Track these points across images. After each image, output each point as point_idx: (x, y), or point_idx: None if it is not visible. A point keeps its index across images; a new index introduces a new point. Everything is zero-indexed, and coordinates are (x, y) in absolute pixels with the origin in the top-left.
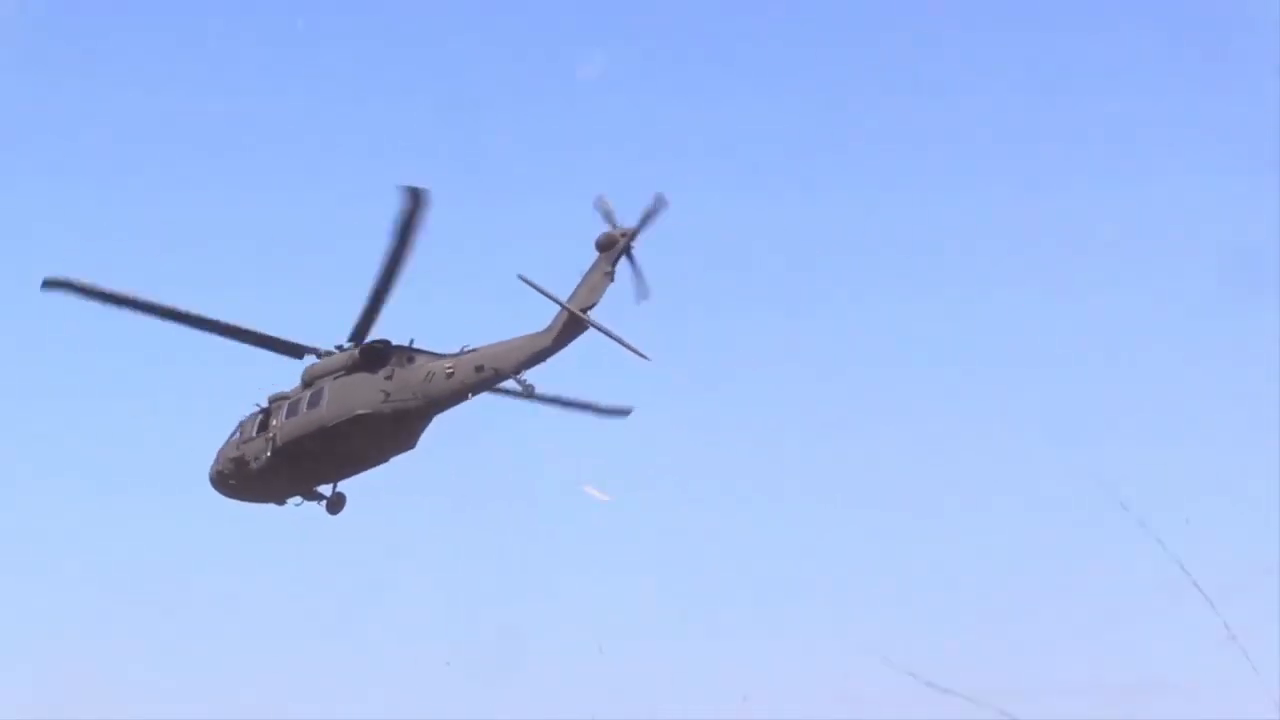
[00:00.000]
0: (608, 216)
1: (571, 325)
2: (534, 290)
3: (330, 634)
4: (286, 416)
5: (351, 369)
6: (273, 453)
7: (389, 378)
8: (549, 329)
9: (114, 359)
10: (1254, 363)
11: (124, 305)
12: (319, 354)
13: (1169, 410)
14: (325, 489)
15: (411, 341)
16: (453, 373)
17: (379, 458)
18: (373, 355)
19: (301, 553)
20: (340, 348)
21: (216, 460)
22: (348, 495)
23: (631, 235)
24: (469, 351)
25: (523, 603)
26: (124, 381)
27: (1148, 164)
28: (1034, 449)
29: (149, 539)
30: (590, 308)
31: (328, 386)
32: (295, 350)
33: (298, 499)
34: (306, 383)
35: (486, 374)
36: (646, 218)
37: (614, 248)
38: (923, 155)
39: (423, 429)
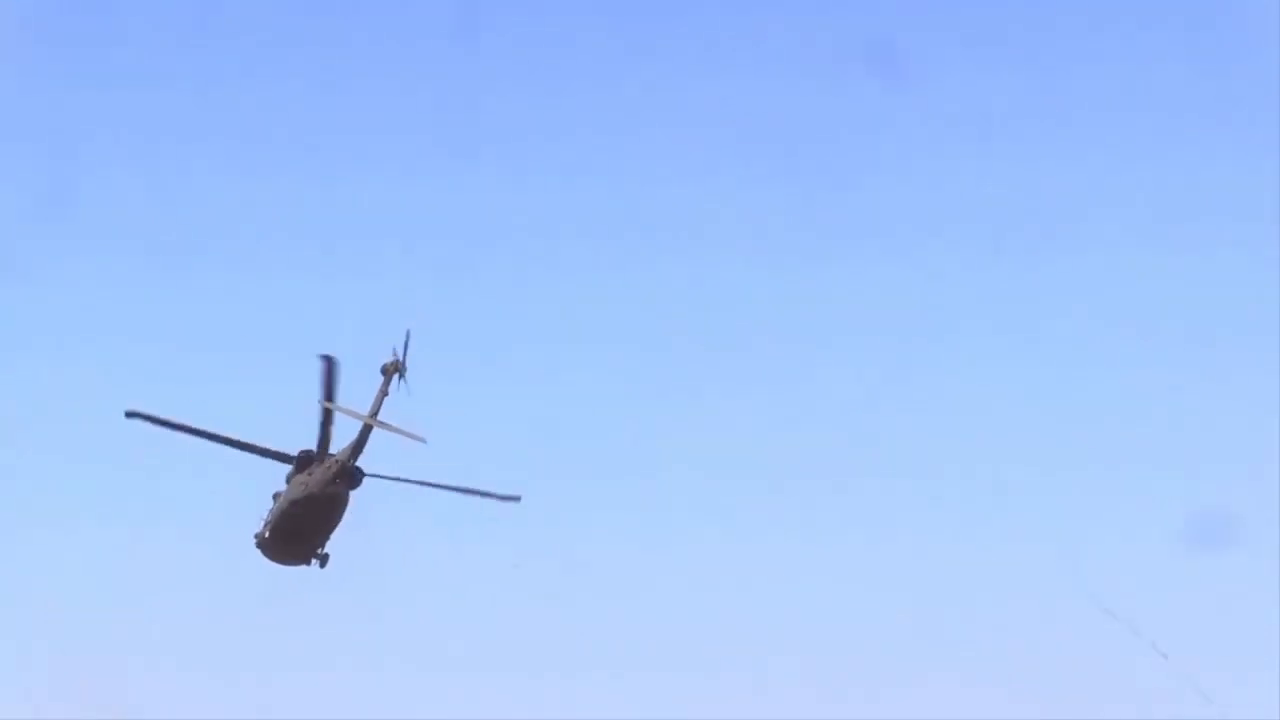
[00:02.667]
0: (394, 354)
1: (367, 429)
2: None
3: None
4: None
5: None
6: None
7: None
8: (357, 437)
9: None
10: None
11: (189, 433)
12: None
13: None
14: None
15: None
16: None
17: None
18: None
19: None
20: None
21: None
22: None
23: (401, 365)
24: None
25: None
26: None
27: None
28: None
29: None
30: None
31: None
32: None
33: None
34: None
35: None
36: (404, 352)
37: (391, 372)
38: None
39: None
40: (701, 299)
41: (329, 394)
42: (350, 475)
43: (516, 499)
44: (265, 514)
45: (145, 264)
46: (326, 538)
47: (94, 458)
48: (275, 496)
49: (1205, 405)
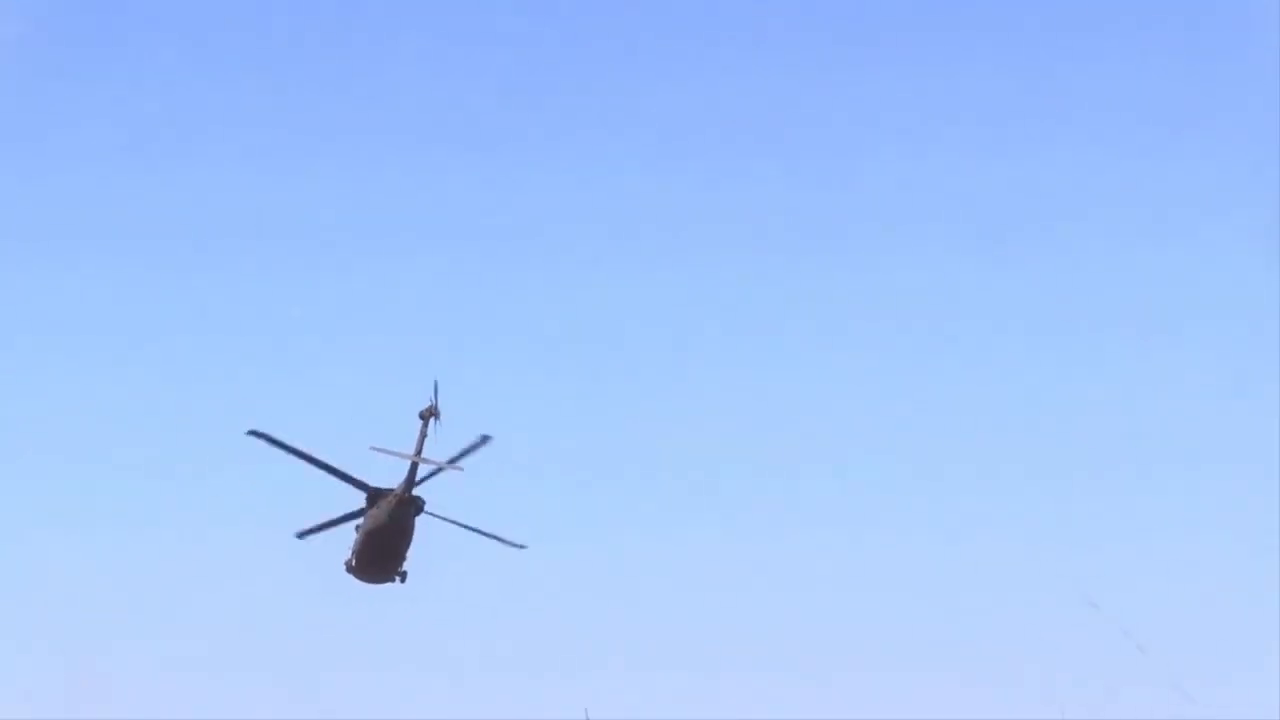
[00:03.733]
0: (433, 399)
1: (414, 466)
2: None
3: None
4: None
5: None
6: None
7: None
8: (407, 473)
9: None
10: None
11: (300, 457)
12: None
13: None
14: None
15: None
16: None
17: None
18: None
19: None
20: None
21: None
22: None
23: (435, 410)
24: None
25: None
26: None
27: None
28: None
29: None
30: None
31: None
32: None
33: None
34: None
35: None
36: (436, 399)
37: (428, 417)
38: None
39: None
40: (704, 297)
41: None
42: (409, 504)
43: (523, 547)
44: (351, 544)
45: (146, 263)
46: (402, 559)
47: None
48: (357, 529)
49: (1204, 403)
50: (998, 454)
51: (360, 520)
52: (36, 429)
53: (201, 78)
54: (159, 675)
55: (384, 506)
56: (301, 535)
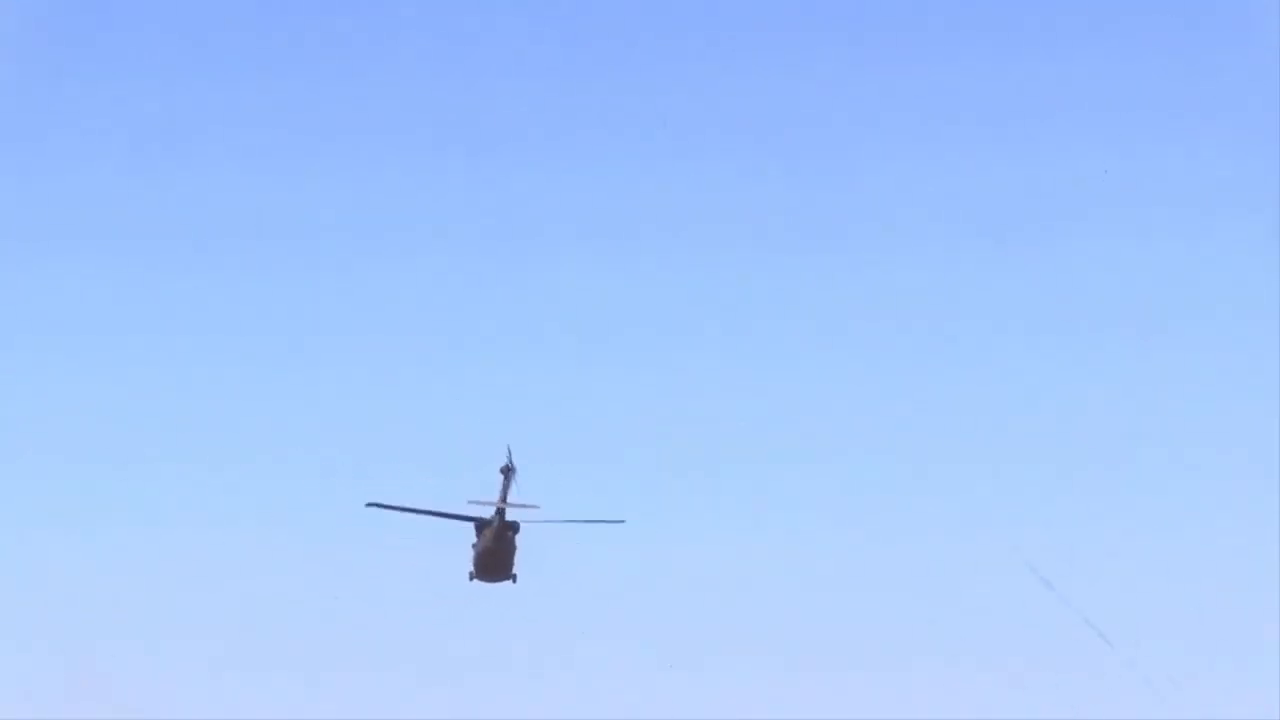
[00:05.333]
0: (508, 458)
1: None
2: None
3: None
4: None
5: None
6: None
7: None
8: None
9: None
10: None
11: (417, 513)
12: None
13: None
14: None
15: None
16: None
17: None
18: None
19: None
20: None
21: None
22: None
23: (512, 468)
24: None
25: None
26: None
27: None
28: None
29: None
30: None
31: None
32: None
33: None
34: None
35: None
36: (510, 459)
37: (509, 473)
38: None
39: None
40: (704, 296)
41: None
42: (508, 527)
43: (621, 521)
44: (470, 560)
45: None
46: (511, 567)
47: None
48: (473, 546)
49: (1203, 400)
50: (999, 452)
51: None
52: (36, 429)
53: (201, 78)
54: (159, 675)
55: (490, 533)
56: (371, 505)
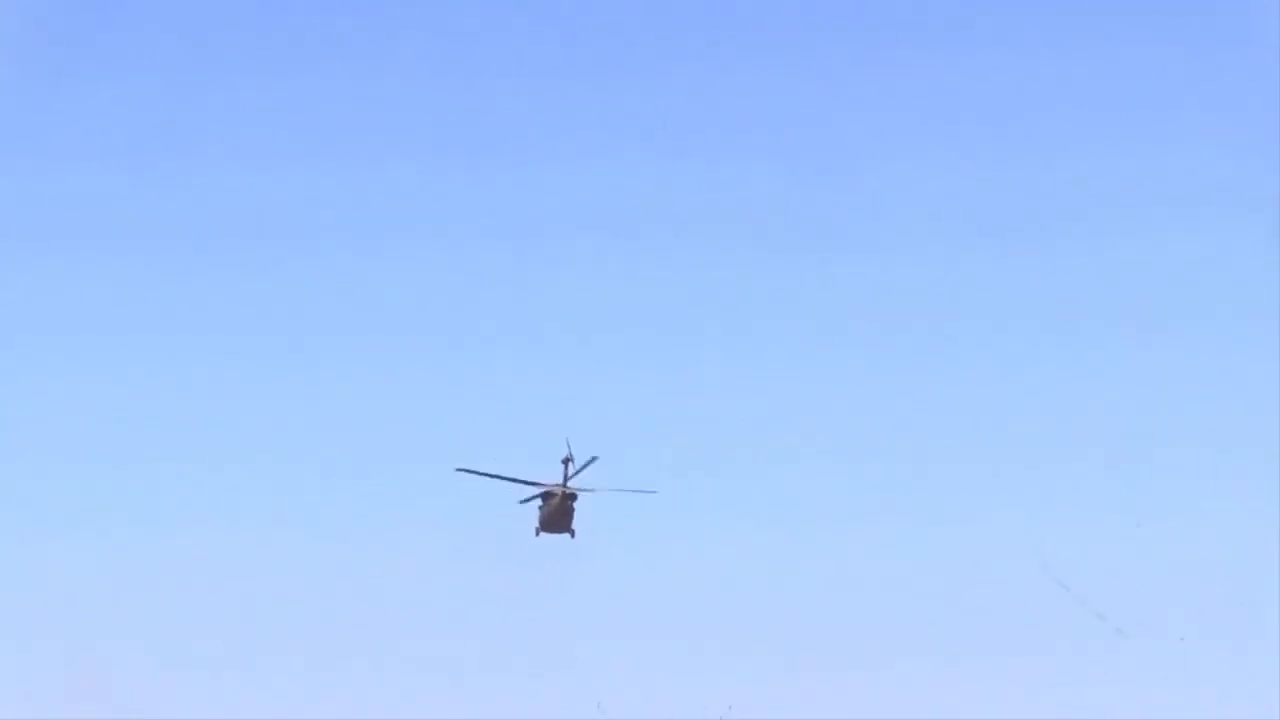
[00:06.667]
0: (568, 449)
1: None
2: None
3: None
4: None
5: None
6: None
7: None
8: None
9: None
10: None
11: (498, 479)
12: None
13: None
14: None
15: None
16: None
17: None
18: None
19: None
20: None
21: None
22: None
23: (572, 458)
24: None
25: None
26: None
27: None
28: None
29: None
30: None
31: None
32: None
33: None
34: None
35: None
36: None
37: (569, 462)
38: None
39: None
40: (703, 296)
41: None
42: (570, 497)
43: (653, 491)
44: (536, 520)
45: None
46: (570, 525)
47: None
48: (539, 509)
49: (1204, 400)
50: (998, 451)
51: (537, 500)
52: (37, 429)
53: (201, 77)
54: (159, 675)
55: (556, 500)
56: (461, 470)
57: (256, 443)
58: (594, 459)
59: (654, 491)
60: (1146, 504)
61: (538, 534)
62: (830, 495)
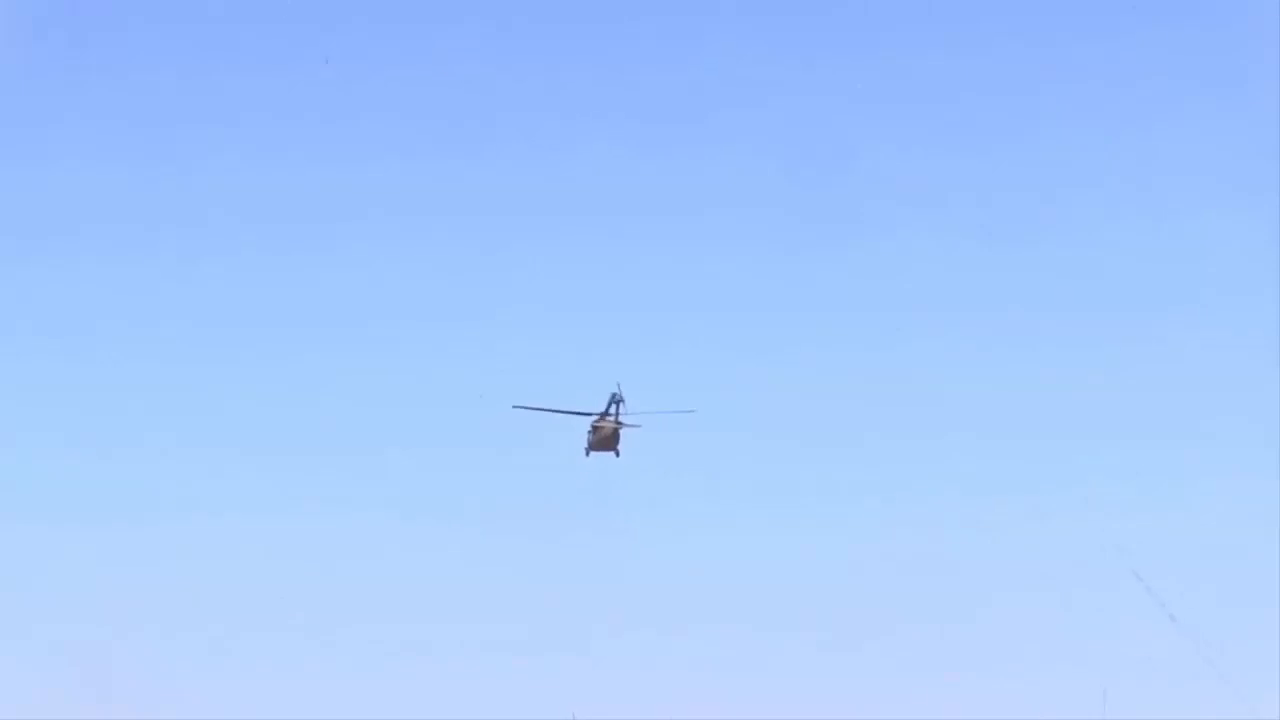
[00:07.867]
0: (618, 388)
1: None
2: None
3: None
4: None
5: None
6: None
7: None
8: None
9: None
10: None
11: (553, 412)
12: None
13: None
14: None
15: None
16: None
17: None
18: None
19: None
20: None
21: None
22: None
23: (620, 396)
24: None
25: None
26: None
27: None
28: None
29: None
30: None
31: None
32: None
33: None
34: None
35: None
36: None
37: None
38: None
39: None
40: (701, 291)
41: (605, 411)
42: (617, 429)
43: (691, 411)
44: (586, 440)
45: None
46: (617, 446)
47: None
48: (588, 433)
49: (1203, 392)
50: (999, 450)
51: (588, 426)
52: (37, 425)
53: (201, 77)
54: (159, 675)
55: (605, 426)
56: (518, 407)
57: (257, 438)
58: (622, 400)
59: (692, 410)
60: (1146, 499)
61: (587, 454)
62: (829, 496)
